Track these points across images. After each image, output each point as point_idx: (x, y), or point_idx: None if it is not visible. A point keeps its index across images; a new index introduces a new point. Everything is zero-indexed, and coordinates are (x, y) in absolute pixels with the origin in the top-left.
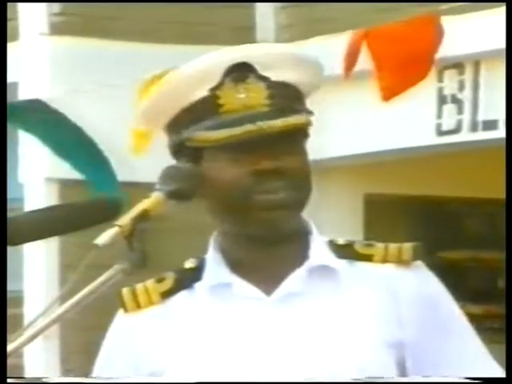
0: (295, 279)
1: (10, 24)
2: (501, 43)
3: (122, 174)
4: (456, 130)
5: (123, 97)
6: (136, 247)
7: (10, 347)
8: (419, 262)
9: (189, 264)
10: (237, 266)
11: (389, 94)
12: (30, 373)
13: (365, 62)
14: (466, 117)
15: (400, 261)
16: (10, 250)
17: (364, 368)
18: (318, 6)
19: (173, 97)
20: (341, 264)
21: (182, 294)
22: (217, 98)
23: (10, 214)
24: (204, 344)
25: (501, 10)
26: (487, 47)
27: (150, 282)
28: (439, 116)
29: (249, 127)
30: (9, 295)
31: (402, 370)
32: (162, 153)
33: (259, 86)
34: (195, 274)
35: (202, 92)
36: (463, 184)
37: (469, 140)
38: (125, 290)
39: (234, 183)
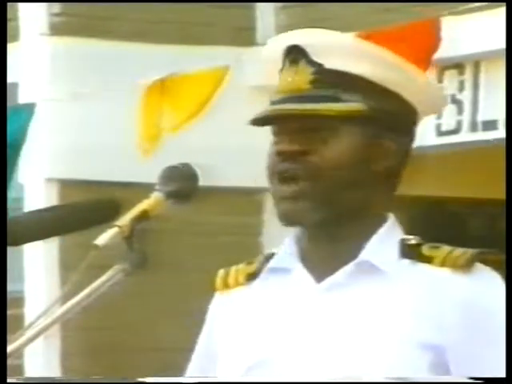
0: (342, 272)
1: (10, 24)
2: (501, 43)
3: (122, 175)
4: (456, 131)
5: (122, 97)
6: (136, 247)
7: (10, 347)
8: (483, 270)
9: (275, 249)
10: (303, 254)
11: None
12: (30, 373)
13: None
14: (466, 117)
15: (456, 265)
16: (10, 250)
17: (391, 366)
18: (318, 6)
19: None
20: (392, 263)
21: (262, 277)
22: (279, 79)
23: (10, 215)
24: (252, 328)
25: (501, 11)
26: (487, 47)
27: (241, 264)
28: (439, 116)
29: (276, 107)
30: (9, 296)
31: (442, 373)
32: (162, 153)
33: (307, 71)
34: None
35: (276, 73)
36: (463, 184)
37: (468, 140)
38: (220, 271)
39: (268, 163)
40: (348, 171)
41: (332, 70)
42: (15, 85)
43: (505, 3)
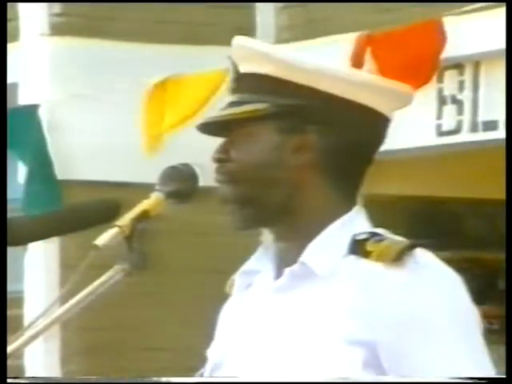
0: (287, 274)
1: (10, 25)
2: (501, 44)
3: (122, 175)
4: (456, 131)
5: (123, 98)
6: (136, 248)
7: (10, 348)
8: (420, 262)
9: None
10: (267, 254)
11: None
12: (30, 373)
13: (366, 64)
14: (466, 117)
15: (388, 259)
16: (10, 250)
17: (325, 365)
18: (318, 7)
19: None
20: (329, 264)
21: (238, 280)
22: None
23: (10, 215)
24: (222, 330)
25: (501, 11)
26: (487, 48)
27: None
28: (439, 116)
29: (206, 118)
30: (9, 296)
31: (376, 370)
32: (162, 153)
33: (230, 79)
34: None
35: None
36: (463, 184)
37: (469, 140)
38: (231, 278)
39: None
40: (266, 171)
41: (245, 74)
42: (15, 85)
43: (505, 3)
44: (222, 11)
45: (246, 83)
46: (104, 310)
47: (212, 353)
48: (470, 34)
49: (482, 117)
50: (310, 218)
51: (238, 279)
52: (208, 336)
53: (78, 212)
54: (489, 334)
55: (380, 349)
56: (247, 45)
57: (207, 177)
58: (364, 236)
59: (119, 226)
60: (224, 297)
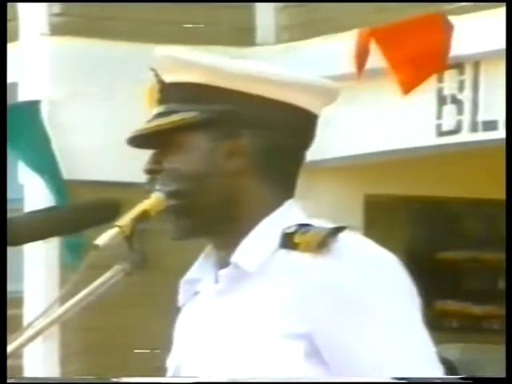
0: (223, 275)
1: (10, 24)
2: (501, 44)
3: (122, 175)
4: (456, 131)
5: (123, 97)
6: (136, 248)
7: (9, 348)
8: (345, 247)
9: None
10: (208, 262)
11: (408, 87)
12: (29, 373)
13: (367, 61)
14: (466, 117)
15: (314, 248)
16: (10, 250)
17: (267, 362)
18: (318, 6)
19: None
20: (257, 260)
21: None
22: None
23: (10, 215)
24: (178, 340)
25: (501, 11)
26: (487, 47)
27: None
28: (439, 116)
29: (135, 130)
30: (9, 296)
31: (317, 362)
32: None
33: (156, 89)
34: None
35: None
36: (463, 184)
37: (469, 140)
38: None
39: None
40: (200, 179)
41: (171, 84)
42: (15, 85)
43: (505, 3)
44: (222, 11)
45: (172, 93)
46: (104, 310)
47: (170, 362)
48: (469, 34)
49: (482, 117)
50: (246, 222)
51: (181, 288)
52: None
53: (78, 212)
54: (489, 334)
55: (316, 339)
56: (170, 54)
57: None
58: (293, 229)
59: (119, 226)
60: None
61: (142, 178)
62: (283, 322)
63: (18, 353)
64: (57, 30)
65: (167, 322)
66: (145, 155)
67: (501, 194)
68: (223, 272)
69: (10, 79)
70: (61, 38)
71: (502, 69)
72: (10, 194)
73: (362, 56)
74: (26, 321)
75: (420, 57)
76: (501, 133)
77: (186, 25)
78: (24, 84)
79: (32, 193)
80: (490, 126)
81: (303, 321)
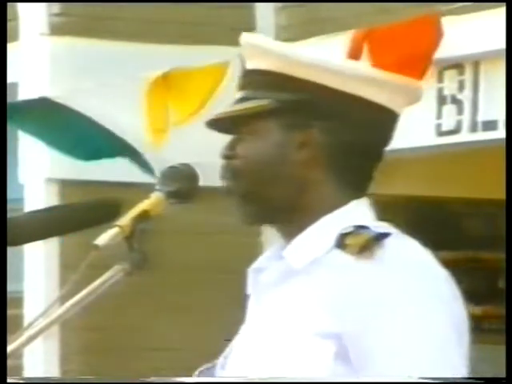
0: (272, 269)
1: (10, 24)
2: (501, 43)
3: (122, 175)
4: (456, 131)
5: (123, 97)
6: (136, 247)
7: (9, 348)
8: (390, 252)
9: None
10: (275, 250)
11: None
12: (30, 373)
13: (362, 60)
14: (466, 117)
15: (357, 251)
16: (10, 250)
17: (295, 358)
18: (318, 6)
19: None
20: (307, 258)
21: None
22: None
23: (10, 215)
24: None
25: (501, 11)
26: (487, 47)
27: None
28: (439, 116)
29: (211, 116)
30: (9, 296)
31: (345, 363)
32: (162, 153)
33: (240, 75)
34: None
35: None
36: (463, 184)
37: (468, 140)
38: None
39: None
40: (270, 168)
41: (250, 71)
42: (15, 85)
43: (505, 3)
44: (222, 11)
45: (251, 79)
46: (104, 309)
47: (227, 348)
48: (469, 34)
49: (482, 117)
50: (307, 216)
51: (249, 277)
52: (208, 336)
53: (78, 212)
54: (489, 334)
55: (345, 340)
56: (251, 41)
57: (207, 177)
58: (349, 230)
59: (119, 226)
60: (224, 297)
61: (142, 178)
62: (317, 321)
63: (18, 353)
64: (56, 29)
65: (167, 321)
66: (155, 149)
67: (501, 193)
68: (274, 265)
69: (9, 79)
70: (60, 37)
71: (502, 69)
72: (10, 194)
73: (354, 58)
74: (26, 321)
75: (406, 62)
76: (501, 133)
77: (186, 25)
78: (24, 84)
79: (32, 193)
80: (490, 125)
81: (336, 321)
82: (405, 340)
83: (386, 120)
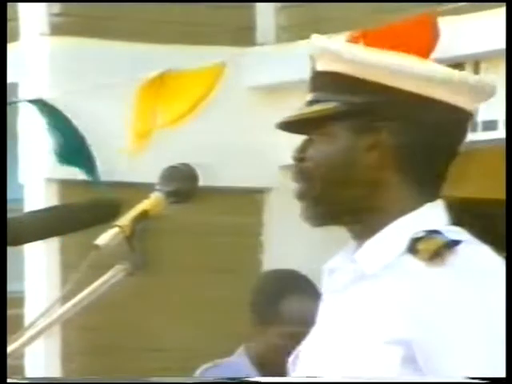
0: (344, 271)
1: (10, 24)
2: (501, 43)
3: (122, 175)
4: None
5: (122, 97)
6: (137, 247)
7: (10, 348)
8: (463, 260)
9: None
10: (348, 250)
11: None
12: (30, 373)
13: None
14: None
15: (430, 257)
16: (10, 250)
17: (364, 365)
18: (318, 6)
19: None
20: (379, 263)
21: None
22: None
23: (10, 215)
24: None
25: (501, 11)
26: (487, 47)
27: None
28: None
29: (283, 118)
30: (9, 295)
31: (412, 369)
32: (162, 153)
33: (310, 78)
34: None
35: None
36: (463, 184)
37: (469, 140)
38: None
39: None
40: (340, 170)
41: (320, 73)
42: (15, 85)
43: (505, 3)
44: (222, 11)
45: (321, 82)
46: (105, 309)
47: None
48: (470, 33)
49: (482, 117)
50: (384, 216)
51: (323, 276)
52: (208, 336)
53: (77, 212)
54: None
55: (415, 346)
56: (321, 43)
57: (207, 177)
58: (420, 234)
59: (119, 226)
60: (224, 297)
61: (142, 178)
62: (387, 327)
63: (18, 352)
64: (57, 30)
65: (168, 321)
66: (145, 155)
67: (501, 193)
68: (344, 268)
69: (9, 79)
70: (61, 38)
71: (502, 69)
72: (10, 194)
73: None
74: (27, 321)
75: None
76: (501, 133)
77: (186, 25)
78: (24, 84)
79: (32, 193)
80: (490, 125)
81: (407, 327)
82: (475, 346)
83: (460, 120)
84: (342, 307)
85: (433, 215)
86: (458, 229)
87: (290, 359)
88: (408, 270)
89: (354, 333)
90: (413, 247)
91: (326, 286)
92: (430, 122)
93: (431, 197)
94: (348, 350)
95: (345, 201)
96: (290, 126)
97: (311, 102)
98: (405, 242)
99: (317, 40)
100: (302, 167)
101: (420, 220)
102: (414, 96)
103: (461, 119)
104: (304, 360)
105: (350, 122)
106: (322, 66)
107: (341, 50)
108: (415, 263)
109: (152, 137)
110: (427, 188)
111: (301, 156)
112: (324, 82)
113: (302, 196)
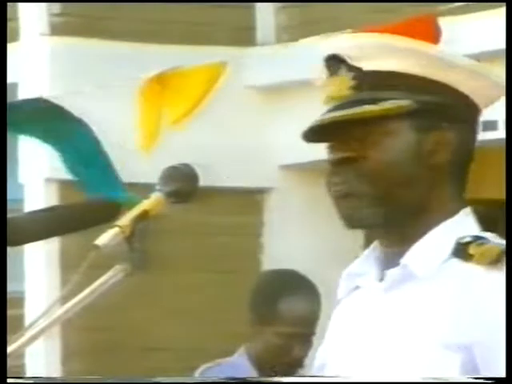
0: (389, 275)
1: (10, 24)
2: (501, 44)
3: (122, 175)
4: None
5: (123, 97)
6: (136, 248)
7: (10, 348)
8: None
9: None
10: (371, 256)
11: None
12: (30, 373)
13: None
14: None
15: (488, 261)
16: (10, 250)
17: (422, 369)
18: (318, 6)
19: None
20: (430, 265)
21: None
22: (323, 89)
23: (10, 215)
24: (331, 331)
25: (501, 11)
26: (487, 47)
27: None
28: None
29: (318, 119)
30: (9, 296)
31: (473, 373)
32: (162, 153)
33: (346, 77)
34: None
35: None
36: None
37: None
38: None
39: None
40: (404, 169)
41: (371, 72)
42: (15, 85)
43: (505, 3)
44: (222, 11)
45: (372, 80)
46: (104, 310)
47: (320, 353)
48: (470, 33)
49: (482, 117)
50: (426, 222)
51: (342, 281)
52: (208, 336)
53: (78, 212)
54: None
55: (476, 351)
56: (377, 41)
57: (207, 177)
58: (467, 239)
59: (119, 226)
60: (224, 297)
61: (142, 178)
62: (447, 332)
63: (19, 352)
64: (57, 30)
65: (168, 321)
66: (144, 156)
67: (501, 193)
68: (391, 272)
69: (9, 79)
70: (61, 38)
71: (501, 69)
72: (10, 194)
73: None
74: (27, 321)
75: None
76: (501, 133)
77: (186, 25)
78: (24, 84)
79: (32, 193)
80: (490, 125)
81: (468, 331)
82: None
83: (478, 117)
84: (386, 310)
85: (470, 220)
86: (494, 235)
87: (315, 367)
88: (464, 274)
89: (411, 336)
90: (461, 251)
91: (346, 291)
92: (474, 121)
93: (463, 200)
94: (405, 354)
95: (403, 202)
96: (324, 129)
97: (356, 102)
98: (450, 246)
99: (375, 38)
100: (360, 166)
101: (461, 225)
102: (467, 98)
103: (478, 116)
104: (340, 366)
105: (415, 120)
106: (373, 65)
107: (414, 48)
108: (471, 268)
109: (161, 135)
110: (462, 190)
111: (354, 155)
112: (385, 80)
113: (356, 195)
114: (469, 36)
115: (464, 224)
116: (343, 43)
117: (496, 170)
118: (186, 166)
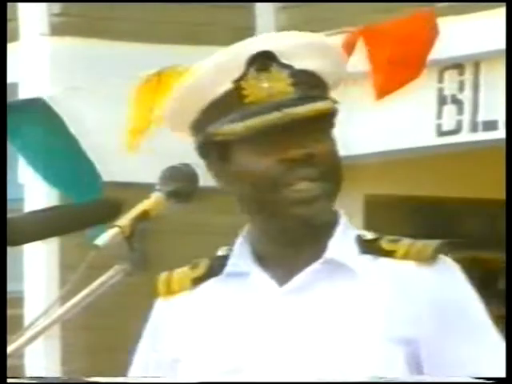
0: (308, 272)
1: (10, 24)
2: (501, 44)
3: (122, 175)
4: (456, 131)
5: (122, 96)
6: (136, 248)
7: (10, 348)
8: (446, 261)
9: (221, 251)
10: (260, 257)
11: (381, 92)
12: (30, 373)
13: (361, 61)
14: (466, 117)
15: (421, 258)
16: (10, 250)
17: (367, 364)
18: (317, 6)
19: (196, 93)
20: (357, 259)
21: (210, 281)
22: (241, 90)
23: (10, 215)
24: (213, 334)
25: (501, 11)
26: (487, 48)
27: (185, 268)
28: (439, 116)
29: (274, 115)
30: (9, 296)
31: (415, 367)
32: (162, 153)
33: (282, 75)
34: (224, 262)
35: (226, 85)
36: (463, 184)
37: (469, 140)
38: (162, 275)
39: (262, 175)
40: (339, 167)
41: (302, 70)
42: (15, 85)
43: (505, 3)
44: (222, 11)
45: (305, 79)
46: (104, 309)
47: (218, 356)
48: (469, 33)
49: (482, 117)
50: (330, 219)
51: (223, 281)
52: None
53: (78, 212)
54: None
55: (422, 346)
56: (308, 40)
57: (207, 177)
58: (369, 236)
59: (119, 226)
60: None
61: (142, 178)
62: (387, 326)
63: (18, 352)
64: (57, 30)
65: None
66: (144, 155)
67: (501, 193)
68: (310, 268)
69: (9, 79)
70: (60, 37)
71: (502, 69)
72: (10, 194)
73: (346, 53)
74: (26, 321)
75: (401, 60)
76: (501, 133)
77: (186, 25)
78: (24, 84)
79: (32, 193)
80: (490, 125)
81: (411, 326)
82: (473, 336)
83: None
84: (310, 308)
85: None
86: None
87: (217, 373)
88: (393, 269)
89: (351, 331)
90: (374, 248)
91: (243, 291)
92: None
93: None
94: (347, 349)
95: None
96: (287, 125)
97: (304, 99)
98: (354, 243)
99: (304, 38)
100: (316, 164)
101: (349, 223)
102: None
103: None
104: (268, 369)
105: (333, 120)
106: (304, 64)
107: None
108: (399, 264)
109: (148, 134)
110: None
111: (312, 151)
112: (309, 80)
113: (317, 195)
114: (469, 36)
115: (348, 223)
116: (272, 41)
117: (496, 169)
118: (186, 165)
